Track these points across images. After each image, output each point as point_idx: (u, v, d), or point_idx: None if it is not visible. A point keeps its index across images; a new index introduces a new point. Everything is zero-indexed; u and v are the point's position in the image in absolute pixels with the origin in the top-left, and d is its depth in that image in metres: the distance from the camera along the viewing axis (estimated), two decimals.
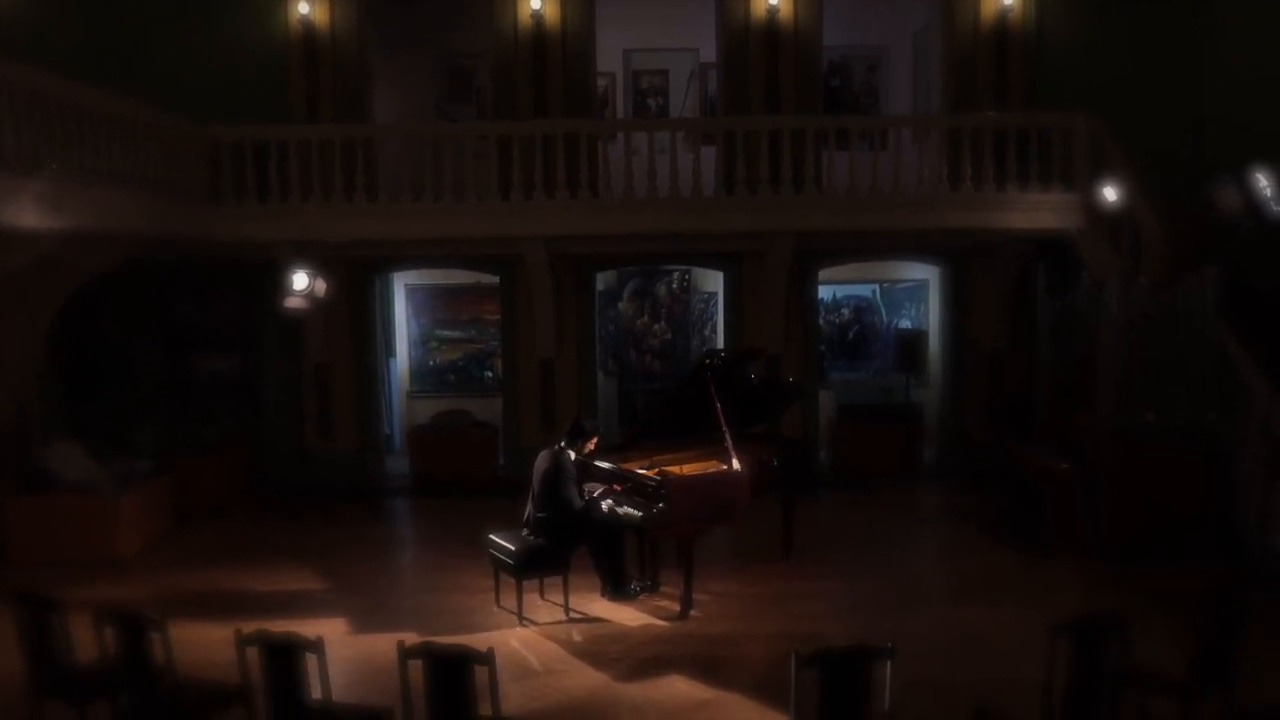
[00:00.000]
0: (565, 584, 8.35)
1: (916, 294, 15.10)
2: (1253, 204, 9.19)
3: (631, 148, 12.29)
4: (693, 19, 14.35)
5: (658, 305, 15.42)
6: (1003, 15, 12.98)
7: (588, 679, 7.11)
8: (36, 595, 5.72)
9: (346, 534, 11.30)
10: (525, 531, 8.44)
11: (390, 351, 15.15)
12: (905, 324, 15.04)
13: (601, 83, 14.76)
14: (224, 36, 13.14)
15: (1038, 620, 5.51)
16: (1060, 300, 11.46)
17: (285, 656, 4.95)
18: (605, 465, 8.85)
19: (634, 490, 8.45)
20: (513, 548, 8.22)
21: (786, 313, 13.19)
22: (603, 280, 14.58)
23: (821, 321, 14.55)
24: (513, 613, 8.22)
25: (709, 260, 14.05)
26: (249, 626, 5.20)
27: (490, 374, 15.16)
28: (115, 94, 9.78)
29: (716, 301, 14.92)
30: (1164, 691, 5.54)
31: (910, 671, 5.29)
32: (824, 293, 14.48)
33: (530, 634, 7.97)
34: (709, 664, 7.27)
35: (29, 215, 8.27)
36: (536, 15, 12.97)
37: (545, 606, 8.46)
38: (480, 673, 4.75)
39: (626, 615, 8.37)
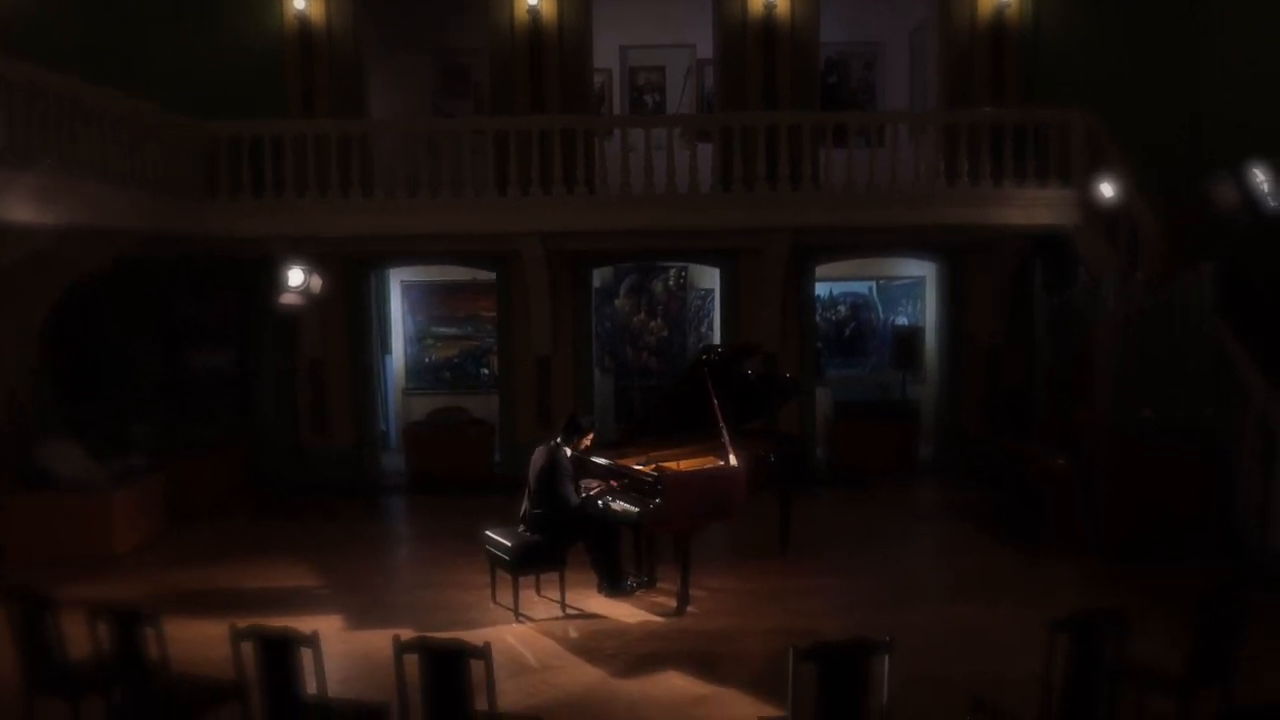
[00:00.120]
0: (562, 580, 8.33)
1: (913, 291, 15.09)
2: (1250, 199, 9.16)
3: (628, 144, 12.27)
4: (689, 15, 14.34)
5: (654, 302, 15.40)
6: (999, 11, 12.97)
7: (584, 675, 7.10)
8: (29, 591, 5.69)
9: (342, 531, 11.28)
10: (521, 528, 8.42)
11: (386, 348, 15.12)
12: (902, 321, 15.03)
13: (598, 79, 14.74)
14: (220, 32, 13.11)
15: (1035, 617, 5.49)
16: (1057, 296, 11.46)
17: (280, 651, 4.92)
18: (602, 461, 8.84)
19: (631, 486, 8.44)
20: (509, 544, 8.20)
21: (783, 309, 13.18)
22: (599, 277, 14.56)
23: (818, 318, 14.53)
24: (509, 609, 8.20)
25: (706, 257, 14.03)
26: (245, 623, 5.16)
27: (486, 371, 15.14)
28: (110, 89, 9.75)
29: (713, 298, 14.90)
30: (1162, 688, 5.53)
31: (908, 667, 5.27)
32: (820, 289, 14.47)
33: (526, 630, 7.95)
34: (706, 660, 7.26)
35: (23, 210, 8.24)
36: (533, 11, 12.95)
37: (542, 603, 8.44)
38: (476, 667, 4.72)
39: (623, 611, 8.35)
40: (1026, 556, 9.69)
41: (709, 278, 14.92)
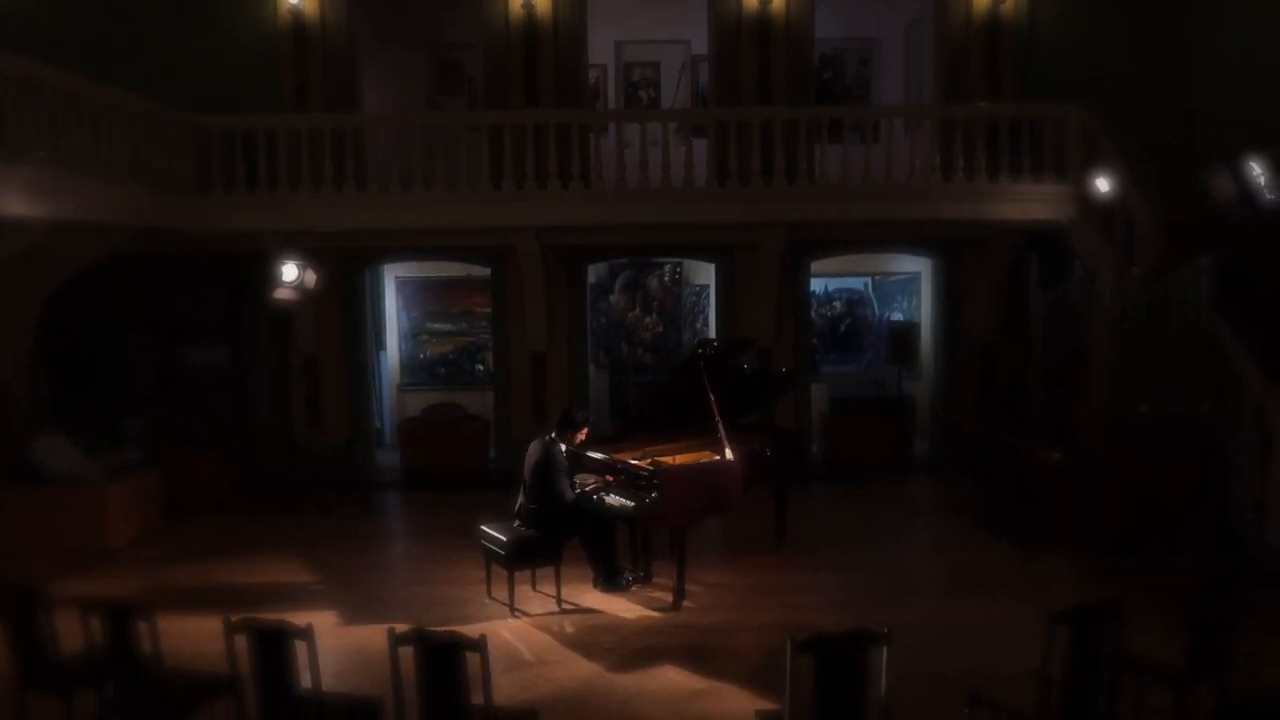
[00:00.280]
0: (557, 575, 8.31)
1: (908, 286, 15.09)
2: (1246, 192, 9.14)
3: (624, 140, 12.24)
4: (684, 11, 14.32)
5: (649, 298, 15.38)
6: (995, 6, 12.94)
7: (580, 669, 7.08)
8: (20, 586, 5.65)
9: (337, 527, 11.25)
10: (517, 523, 8.39)
11: (381, 344, 15.08)
12: (897, 317, 15.03)
13: (593, 75, 14.70)
14: (213, 27, 13.05)
15: (1031, 613, 5.48)
16: (1053, 292, 11.44)
17: (274, 644, 4.89)
18: (598, 456, 8.81)
19: (627, 481, 8.40)
20: (504, 538, 8.18)
21: (778, 305, 13.16)
22: (594, 273, 14.54)
23: (813, 314, 14.52)
24: (504, 604, 8.18)
25: (701, 252, 14.01)
26: (239, 618, 5.13)
27: (481, 367, 15.11)
28: (104, 83, 9.71)
29: (708, 294, 14.89)
30: (1160, 681, 5.52)
31: (904, 662, 5.24)
32: (816, 286, 14.46)
33: (522, 625, 7.93)
34: (702, 654, 7.24)
35: (16, 203, 8.20)
36: (528, 5, 12.90)
37: (537, 598, 8.43)
38: (472, 660, 4.70)
39: (619, 606, 8.33)
40: (1022, 552, 9.67)
41: (704, 274, 14.91)
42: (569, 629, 7.86)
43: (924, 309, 14.82)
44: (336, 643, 7.38)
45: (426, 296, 15.23)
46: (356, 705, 5.40)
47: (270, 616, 5.30)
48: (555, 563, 8.27)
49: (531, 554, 8.21)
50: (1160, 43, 13.12)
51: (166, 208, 10.98)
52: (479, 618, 7.99)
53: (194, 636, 6.85)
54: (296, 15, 12.96)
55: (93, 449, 10.53)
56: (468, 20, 13.72)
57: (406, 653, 4.74)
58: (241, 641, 5.01)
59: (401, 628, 4.93)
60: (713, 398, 8.49)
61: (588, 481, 8.59)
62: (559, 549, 8.28)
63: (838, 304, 15.29)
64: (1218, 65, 12.67)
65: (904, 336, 14.23)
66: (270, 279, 11.45)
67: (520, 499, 8.50)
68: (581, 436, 8.78)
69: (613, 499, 8.34)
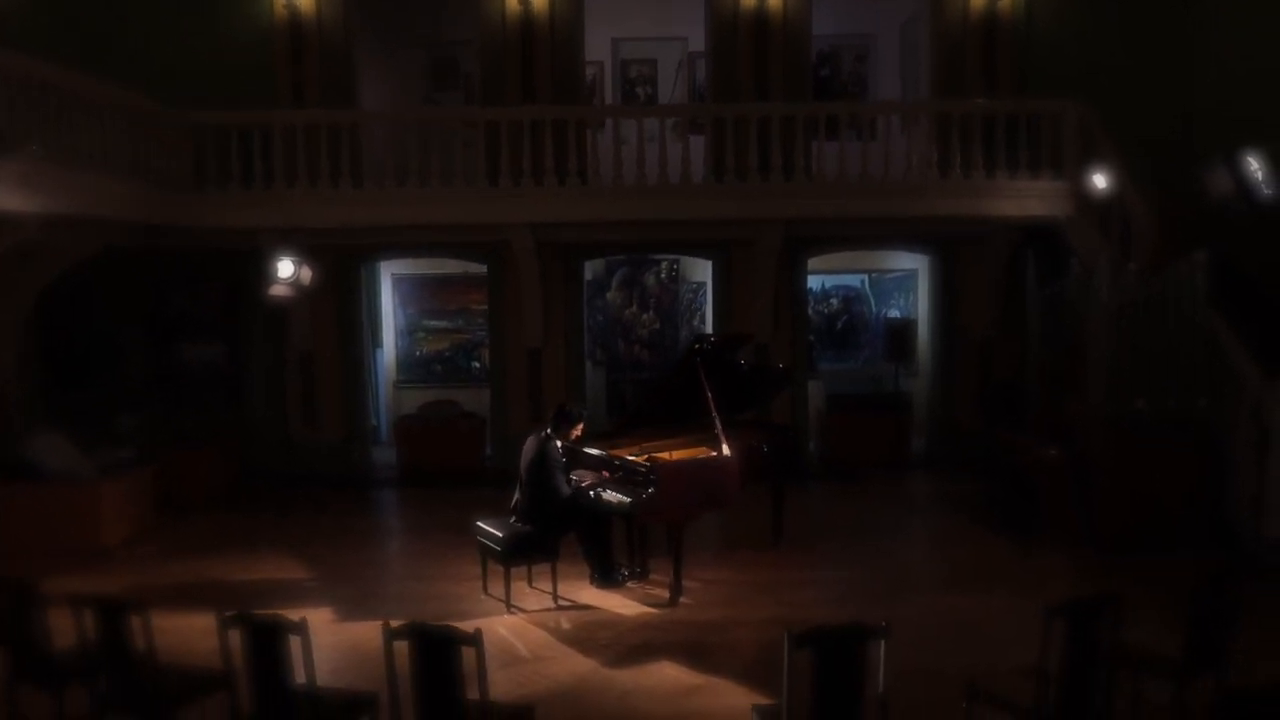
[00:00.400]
0: (554, 571, 8.28)
1: (905, 283, 15.07)
2: (1244, 188, 9.14)
3: (620, 136, 12.22)
4: (681, 8, 14.29)
5: (646, 295, 15.36)
6: (992, 3, 12.93)
7: (576, 665, 7.05)
8: (12, 581, 5.62)
9: (333, 524, 11.21)
10: (513, 519, 8.36)
11: (377, 342, 15.06)
12: (894, 313, 15.01)
13: (590, 72, 14.69)
14: (209, 23, 13.02)
15: (1029, 609, 5.44)
16: (1050, 288, 11.42)
17: (268, 638, 4.85)
18: (594, 452, 8.78)
19: (623, 477, 8.38)
20: (500, 534, 8.15)
21: (775, 302, 13.15)
22: (591, 270, 14.51)
23: (810, 311, 14.50)
24: (501, 600, 8.15)
25: (698, 249, 13.99)
26: (233, 613, 5.10)
27: (477, 364, 15.09)
28: (101, 80, 9.68)
29: (705, 291, 14.87)
30: (1157, 676, 5.50)
31: (902, 658, 5.22)
32: (813, 283, 14.44)
33: (518, 621, 7.90)
34: (698, 650, 7.22)
35: (9, 198, 8.18)
36: (524, 1, 12.88)
37: (533, 594, 8.40)
38: (468, 655, 4.66)
39: (615, 602, 8.30)
40: (1020, 548, 9.65)
41: (701, 270, 14.89)
42: (565, 625, 7.84)
43: (921, 305, 14.81)
44: (331, 638, 7.36)
45: (423, 293, 15.21)
46: (351, 700, 5.37)
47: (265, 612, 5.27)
48: (551, 559, 8.24)
49: (528, 550, 8.18)
50: (1158, 40, 13.12)
51: (162, 203, 10.96)
52: (475, 614, 7.95)
53: (188, 632, 6.84)
54: (293, 11, 12.92)
55: (88, 445, 10.48)
56: (465, 17, 13.69)
57: (402, 648, 4.71)
58: (235, 636, 4.97)
59: (397, 623, 4.90)
60: (710, 394, 8.47)
61: (584, 477, 8.56)
62: (555, 545, 8.25)
63: (835, 301, 15.27)
64: (1215, 63, 12.68)
65: (901, 333, 14.22)
66: (266, 276, 11.43)
67: (516, 495, 8.47)
68: (577, 432, 8.74)
69: (609, 495, 8.31)
